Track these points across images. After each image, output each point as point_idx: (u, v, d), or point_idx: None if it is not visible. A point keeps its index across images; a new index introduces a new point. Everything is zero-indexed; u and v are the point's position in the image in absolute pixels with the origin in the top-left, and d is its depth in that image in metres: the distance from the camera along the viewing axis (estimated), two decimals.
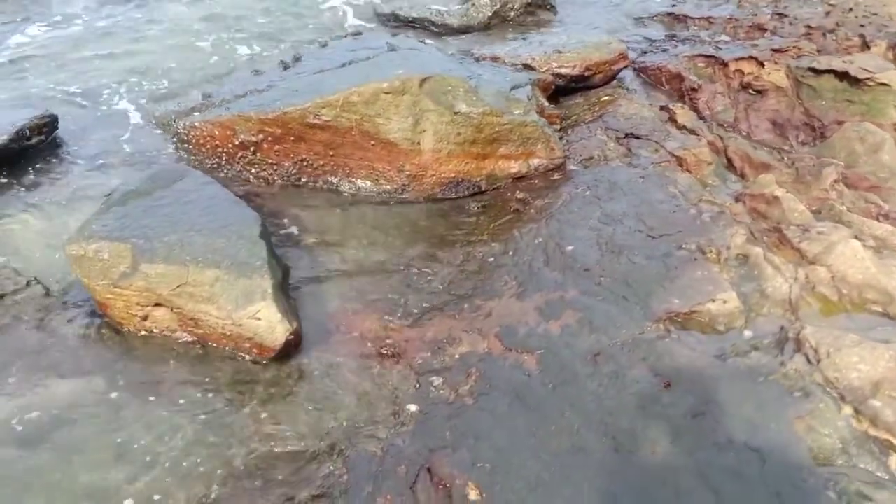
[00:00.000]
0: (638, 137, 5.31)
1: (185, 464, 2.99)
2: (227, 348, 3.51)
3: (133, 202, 3.84)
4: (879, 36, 6.12)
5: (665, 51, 6.62)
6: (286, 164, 4.82)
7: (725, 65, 5.86)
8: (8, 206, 4.44)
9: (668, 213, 4.39)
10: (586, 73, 6.01)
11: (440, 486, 2.89)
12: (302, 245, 4.27)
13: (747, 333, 3.52)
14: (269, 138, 4.72)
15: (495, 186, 4.90)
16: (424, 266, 4.14)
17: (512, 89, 5.09)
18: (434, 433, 3.13)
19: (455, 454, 3.01)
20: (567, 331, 3.62)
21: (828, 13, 6.88)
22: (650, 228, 4.25)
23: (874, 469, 2.83)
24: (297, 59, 5.58)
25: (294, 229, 4.39)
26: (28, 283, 3.83)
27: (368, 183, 4.83)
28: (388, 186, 4.81)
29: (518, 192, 4.81)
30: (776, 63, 5.59)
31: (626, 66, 6.27)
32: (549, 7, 8.02)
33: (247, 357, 3.49)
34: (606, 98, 5.99)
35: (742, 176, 4.88)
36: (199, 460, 3.01)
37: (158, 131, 5.29)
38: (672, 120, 5.48)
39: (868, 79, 5.01)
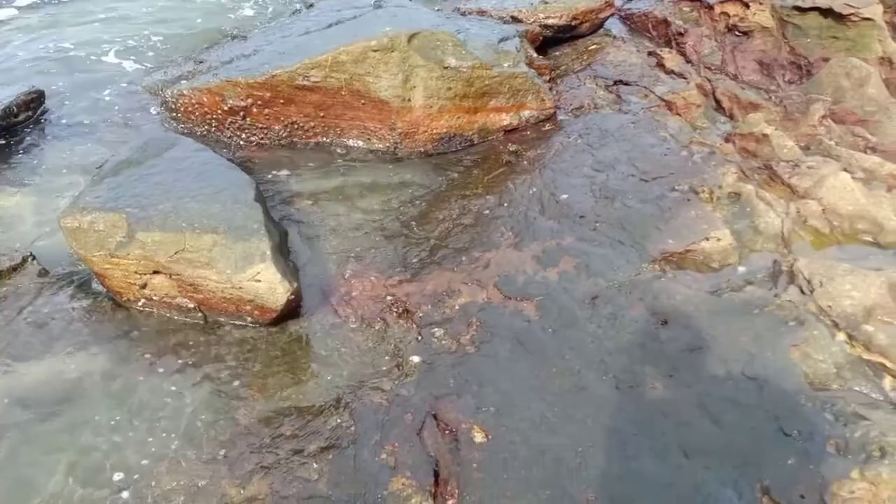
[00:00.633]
0: (627, 84, 5.32)
1: (192, 427, 3.05)
2: (228, 312, 3.54)
3: (125, 172, 3.84)
4: None
5: None
6: (277, 127, 4.81)
7: (711, 8, 5.83)
8: (0, 182, 4.43)
9: (660, 156, 4.41)
10: (573, 23, 5.99)
11: (447, 431, 2.95)
12: (297, 208, 4.29)
13: (741, 269, 3.57)
14: (259, 102, 4.71)
15: (487, 140, 4.91)
16: (420, 221, 4.17)
17: (500, 42, 5.07)
18: (438, 381, 3.18)
19: (460, 400, 3.07)
20: (565, 277, 3.66)
21: None
22: (643, 172, 4.28)
23: (869, 391, 2.90)
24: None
25: (288, 193, 4.40)
26: (24, 260, 3.84)
27: (360, 142, 4.83)
28: (381, 145, 4.81)
29: (510, 144, 4.83)
30: (761, 3, 5.55)
31: (612, 14, 6.26)
32: None
33: (248, 320, 3.53)
34: (594, 47, 5.98)
35: (731, 117, 4.89)
36: (206, 423, 3.07)
37: (147, 101, 5.26)
38: (660, 65, 5.48)
39: (852, 14, 4.99)
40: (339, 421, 3.05)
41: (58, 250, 3.88)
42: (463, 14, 5.86)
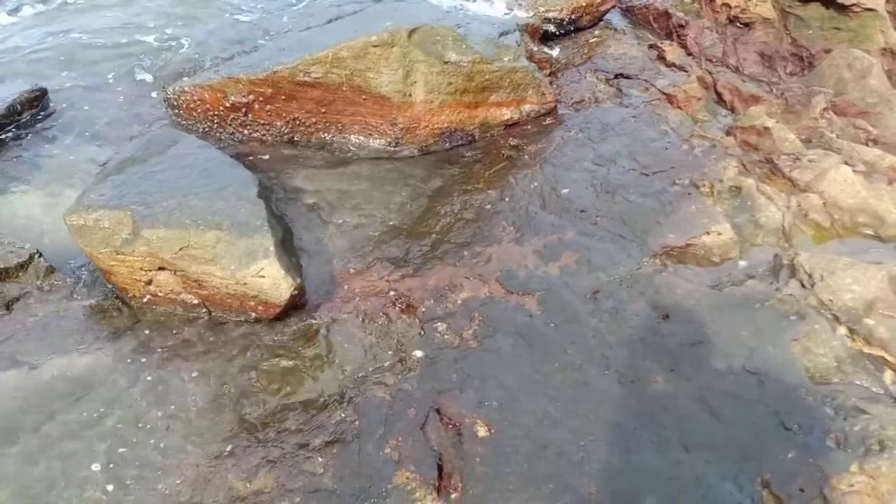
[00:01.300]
0: (628, 77, 5.32)
1: (198, 422, 3.08)
2: (232, 308, 3.57)
3: (129, 170, 3.86)
4: None
5: None
6: (278, 123, 4.82)
7: None
8: (5, 180, 4.45)
9: (661, 150, 4.42)
10: (573, 16, 5.98)
11: (450, 426, 2.98)
12: (299, 204, 4.30)
13: (742, 263, 3.59)
14: (260, 99, 4.72)
15: (488, 134, 4.92)
16: (422, 216, 4.19)
17: (501, 36, 5.07)
18: (441, 376, 3.21)
19: (463, 394, 3.10)
20: (566, 271, 3.68)
21: None
22: (643, 166, 4.29)
23: (869, 385, 2.92)
24: None
25: (291, 189, 4.42)
26: (31, 257, 3.86)
27: (362, 138, 4.84)
28: (382, 140, 4.82)
29: (511, 138, 4.83)
30: None
31: (612, 7, 6.24)
32: None
33: (252, 315, 3.55)
34: (594, 40, 5.98)
35: (732, 109, 4.90)
36: (211, 418, 3.10)
37: (149, 98, 5.27)
38: (661, 58, 5.48)
39: (854, 5, 4.99)
40: (343, 415, 3.08)
41: (64, 247, 3.90)
42: (463, 7, 5.85)
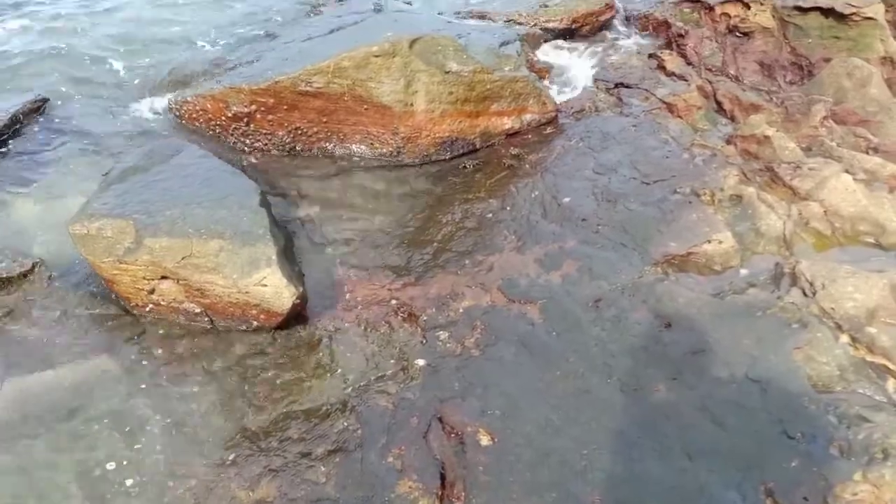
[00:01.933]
0: (628, 86, 5.34)
1: (200, 431, 3.08)
2: (234, 316, 3.57)
3: (132, 179, 3.87)
4: None
5: None
6: (280, 133, 4.84)
7: (711, 9, 5.85)
8: (7, 190, 4.46)
9: (662, 159, 4.44)
10: (573, 26, 6.02)
11: (452, 434, 2.98)
12: (301, 213, 4.32)
13: (743, 271, 3.59)
14: (262, 108, 4.74)
15: (489, 144, 4.94)
16: (424, 225, 4.19)
17: (501, 45, 5.10)
18: (443, 384, 3.21)
19: (465, 403, 3.10)
20: (568, 280, 3.69)
21: None
22: (644, 175, 4.31)
23: (872, 393, 2.92)
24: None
25: (292, 198, 4.43)
26: (33, 266, 3.87)
27: (363, 147, 4.86)
28: (384, 150, 4.84)
29: (512, 147, 4.85)
30: (762, 4, 5.58)
31: (612, 17, 6.27)
32: None
33: (254, 324, 3.55)
34: (594, 49, 5.99)
35: (732, 118, 4.92)
36: (214, 427, 3.10)
37: (152, 107, 5.29)
38: (661, 67, 5.50)
39: (854, 14, 5.01)
40: (345, 424, 3.08)
41: (66, 257, 3.91)
42: (464, 18, 5.88)
